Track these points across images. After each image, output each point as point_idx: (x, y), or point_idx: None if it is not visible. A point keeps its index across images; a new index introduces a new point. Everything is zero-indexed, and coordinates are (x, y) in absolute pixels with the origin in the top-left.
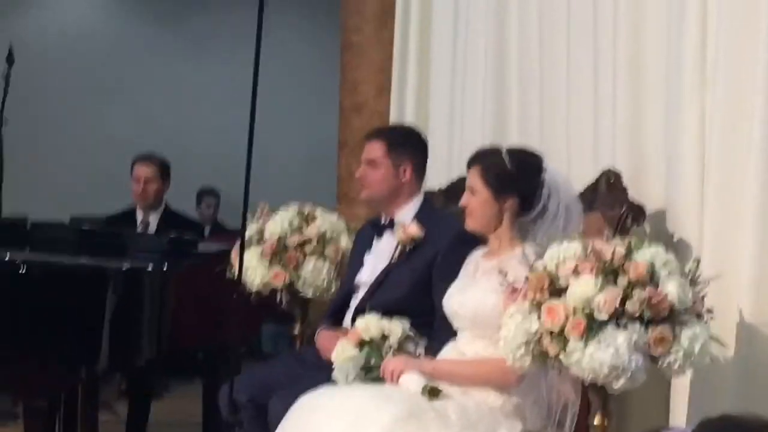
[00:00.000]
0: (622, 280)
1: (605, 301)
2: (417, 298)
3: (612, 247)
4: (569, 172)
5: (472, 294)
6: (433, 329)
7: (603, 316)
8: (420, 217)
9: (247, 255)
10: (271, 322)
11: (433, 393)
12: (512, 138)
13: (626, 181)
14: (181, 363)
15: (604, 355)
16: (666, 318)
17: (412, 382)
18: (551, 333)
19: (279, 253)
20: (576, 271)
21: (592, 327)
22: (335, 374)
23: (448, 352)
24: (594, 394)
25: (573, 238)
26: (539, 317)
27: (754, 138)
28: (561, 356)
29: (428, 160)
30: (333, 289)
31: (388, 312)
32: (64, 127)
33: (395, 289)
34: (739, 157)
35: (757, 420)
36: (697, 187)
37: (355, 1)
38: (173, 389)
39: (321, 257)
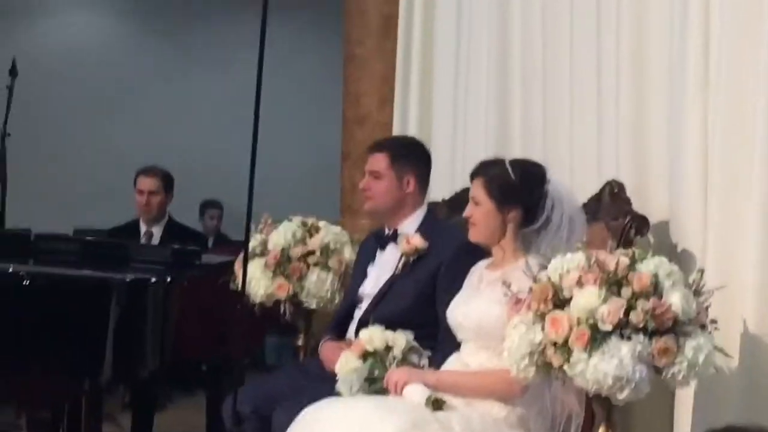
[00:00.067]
0: (626, 291)
1: (609, 312)
2: (421, 310)
3: (616, 258)
4: (572, 183)
5: (476, 305)
6: (436, 341)
7: (607, 327)
8: (423, 228)
9: (250, 266)
10: (274, 333)
11: (436, 404)
12: (515, 149)
13: (629, 191)
14: (185, 375)
15: (608, 366)
16: (670, 329)
17: (416, 393)
18: (555, 344)
19: (282, 265)
20: (580, 282)
21: (596, 338)
22: (339, 386)
23: (452, 363)
24: (598, 406)
25: (576, 249)
26: (543, 328)
27: (757, 149)
28: (565, 367)
29: (431, 172)
30: (336, 301)
31: (391, 323)
32: (67, 139)
33: (399, 300)
34: (742, 167)
35: (761, 430)
36: (700, 197)
37: (358, 13)
38: (177, 401)
39: (324, 269)
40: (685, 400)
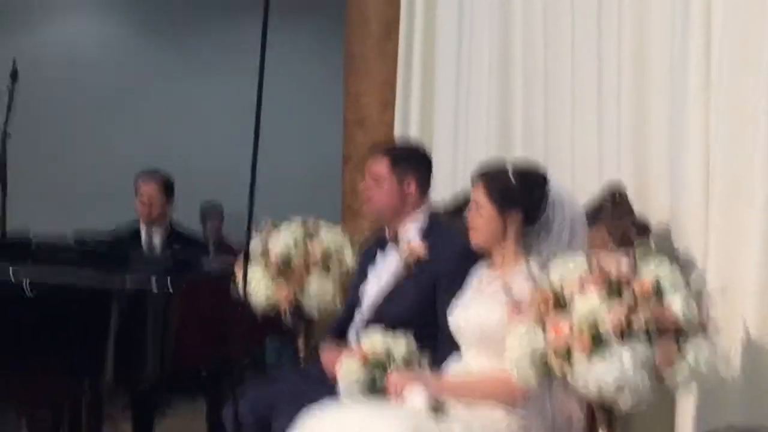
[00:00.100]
0: (628, 296)
1: (610, 316)
2: (421, 313)
3: (617, 259)
4: (573, 186)
5: (477, 309)
6: (437, 344)
7: (608, 331)
8: (424, 231)
9: (251, 271)
10: (275, 337)
11: (438, 409)
12: (516, 153)
13: (631, 195)
14: (185, 381)
15: (609, 371)
16: (671, 333)
17: (417, 397)
18: (556, 349)
19: (283, 269)
20: (581, 287)
21: (597, 342)
22: (340, 390)
23: (453, 367)
24: (599, 410)
25: (578, 252)
26: (544, 333)
27: (758, 151)
28: (566, 372)
29: (432, 175)
30: (337, 305)
31: (392, 327)
32: (67, 141)
33: (400, 302)
34: (743, 170)
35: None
36: (701, 201)
37: (359, 15)
38: (177, 407)
39: (325, 272)
40: (686, 404)
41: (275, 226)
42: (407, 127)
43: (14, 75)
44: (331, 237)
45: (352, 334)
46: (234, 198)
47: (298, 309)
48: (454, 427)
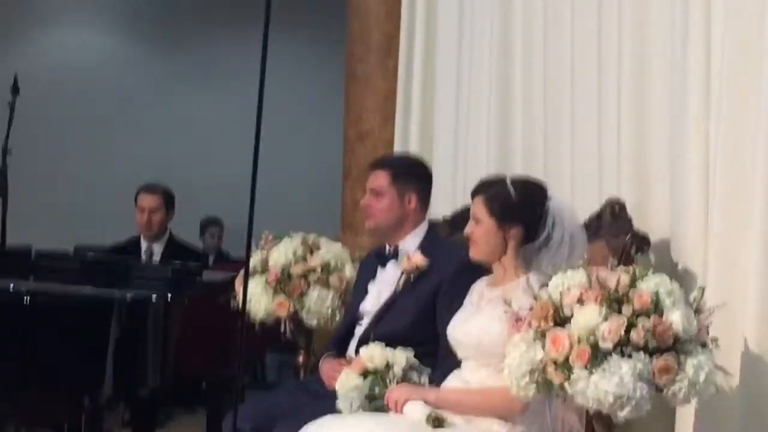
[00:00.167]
0: (627, 309)
1: (610, 330)
2: (421, 327)
3: (616, 276)
4: (573, 201)
5: (477, 323)
6: (437, 358)
7: (607, 345)
8: (424, 246)
9: (251, 284)
10: (275, 351)
11: (437, 422)
12: (516, 167)
13: (630, 210)
14: (185, 392)
15: (609, 384)
16: (670, 347)
17: (416, 411)
18: (555, 362)
19: (283, 282)
20: (580, 300)
21: (597, 356)
22: (339, 403)
23: (453, 381)
24: (599, 424)
25: (577, 266)
26: (544, 346)
27: (758, 167)
28: (565, 385)
29: (432, 190)
30: (337, 318)
31: (392, 341)
32: (67, 156)
33: (400, 318)
34: (743, 185)
35: None
36: (701, 216)
37: (360, 31)
38: (177, 419)
39: (325, 286)
40: (686, 418)
41: (276, 239)
42: (407, 142)
43: (15, 89)
44: (331, 251)
45: (351, 349)
46: (234, 212)
47: (297, 322)
48: None
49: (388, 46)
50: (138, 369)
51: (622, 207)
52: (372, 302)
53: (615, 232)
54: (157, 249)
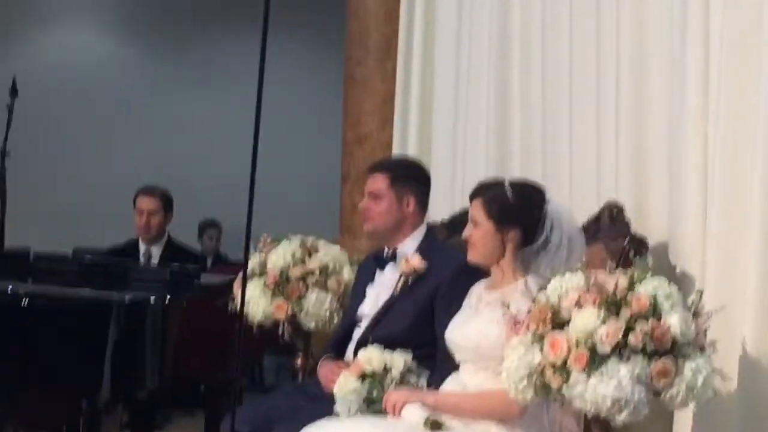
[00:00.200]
0: (625, 313)
1: (608, 333)
2: (420, 330)
3: (615, 279)
4: (572, 203)
5: (475, 326)
6: (435, 361)
7: (605, 348)
8: (423, 249)
9: (249, 287)
10: (273, 353)
11: (435, 425)
12: (515, 170)
13: (629, 213)
14: (183, 395)
15: (607, 388)
16: (669, 350)
17: (414, 414)
18: (554, 365)
19: (281, 285)
20: (579, 304)
21: (595, 359)
22: (337, 406)
23: (450, 384)
24: (596, 427)
25: (575, 270)
26: (542, 349)
27: (756, 170)
28: (563, 388)
29: (431, 192)
30: (335, 321)
31: (390, 344)
32: (66, 158)
33: (398, 321)
34: (741, 189)
35: None
36: (699, 219)
37: (359, 33)
38: (175, 421)
39: (323, 289)
40: (684, 422)
41: (274, 242)
42: (406, 145)
43: (14, 92)
44: (329, 254)
45: (349, 352)
46: (232, 214)
47: (295, 325)
48: None
49: (386, 49)
50: (136, 371)
51: (620, 210)
52: (370, 305)
53: (613, 236)
54: (156, 251)
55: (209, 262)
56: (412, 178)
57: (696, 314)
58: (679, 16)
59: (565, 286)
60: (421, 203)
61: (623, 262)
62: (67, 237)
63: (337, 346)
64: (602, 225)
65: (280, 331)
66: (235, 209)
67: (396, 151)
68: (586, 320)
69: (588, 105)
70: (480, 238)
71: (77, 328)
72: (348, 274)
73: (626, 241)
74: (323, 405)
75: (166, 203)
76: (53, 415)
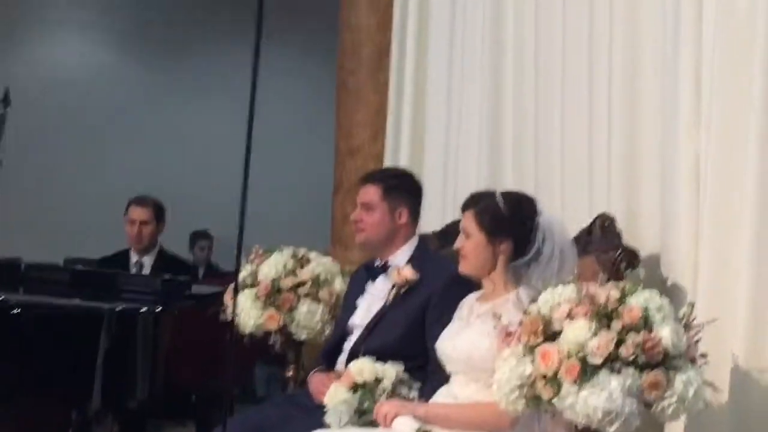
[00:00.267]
0: (616, 325)
1: (599, 345)
2: (411, 341)
3: (606, 291)
4: (563, 215)
5: (466, 337)
6: (427, 372)
7: (597, 360)
8: (414, 260)
9: (240, 297)
10: (264, 364)
11: None
12: (507, 182)
13: (620, 225)
14: (174, 405)
15: (598, 400)
16: (660, 363)
17: (405, 425)
18: (545, 377)
19: (273, 296)
20: (570, 315)
21: (586, 371)
22: (328, 417)
23: (442, 395)
24: None
25: (567, 281)
26: (533, 361)
27: (748, 183)
28: (554, 400)
29: (423, 204)
30: (327, 332)
31: (382, 355)
32: (58, 168)
33: (389, 331)
34: (733, 202)
35: None
36: (691, 231)
37: (351, 44)
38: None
39: (315, 300)
40: (675, 430)
41: (266, 253)
42: (398, 156)
43: (6, 102)
44: (321, 265)
45: (341, 363)
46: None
47: (287, 336)
48: None
49: (379, 60)
50: (127, 381)
51: (612, 221)
52: (361, 316)
53: (605, 248)
54: (147, 261)
55: (201, 272)
56: (404, 190)
57: (687, 326)
58: (672, 23)
59: (557, 298)
60: (414, 214)
61: (615, 274)
62: (59, 246)
63: (329, 356)
64: (594, 237)
65: (271, 342)
66: (227, 219)
67: (388, 162)
68: (578, 332)
69: (580, 116)
70: (472, 249)
71: (68, 337)
72: (340, 285)
73: (618, 253)
74: (314, 416)
75: (158, 213)
76: (44, 425)
